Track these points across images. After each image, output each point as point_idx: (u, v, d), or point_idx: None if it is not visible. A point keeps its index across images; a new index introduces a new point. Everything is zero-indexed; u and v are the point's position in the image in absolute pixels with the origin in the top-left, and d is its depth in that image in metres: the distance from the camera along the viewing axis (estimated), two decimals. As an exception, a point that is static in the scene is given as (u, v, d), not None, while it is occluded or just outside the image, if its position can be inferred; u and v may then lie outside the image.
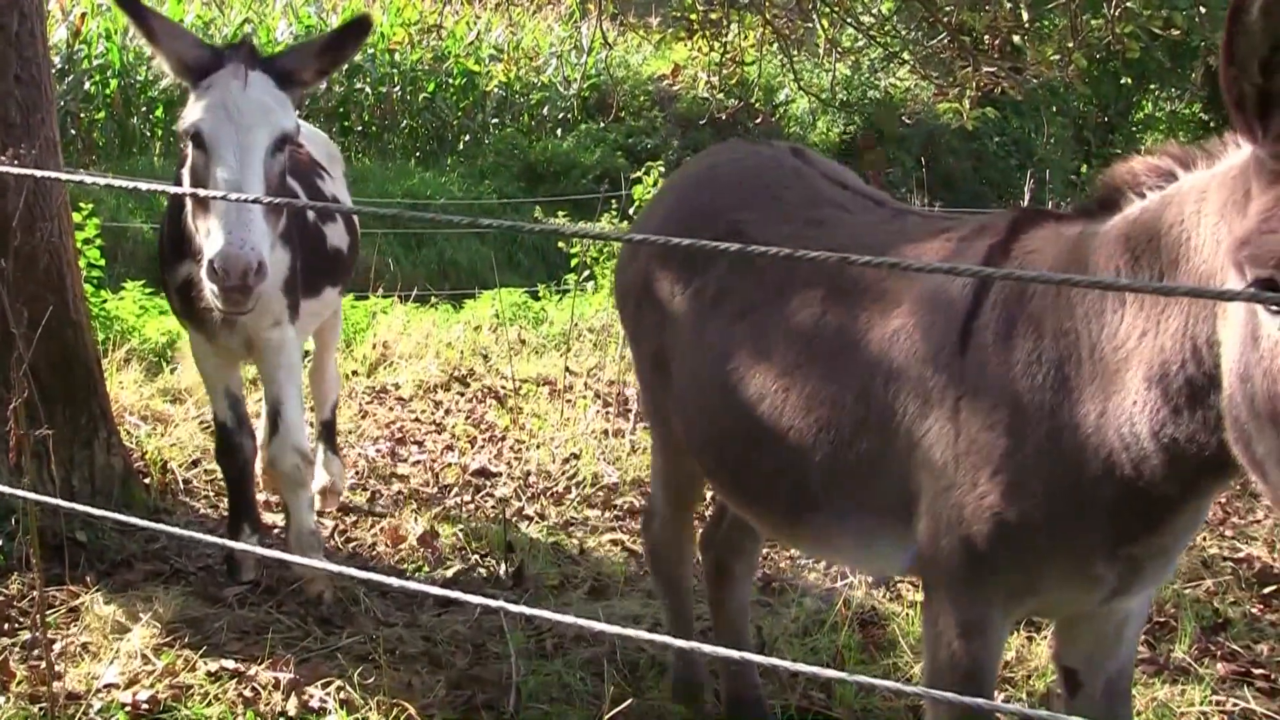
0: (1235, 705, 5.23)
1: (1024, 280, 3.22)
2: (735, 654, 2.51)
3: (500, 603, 2.67)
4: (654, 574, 5.19)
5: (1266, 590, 6.51)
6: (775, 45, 14.37)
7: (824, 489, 3.72)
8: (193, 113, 4.96)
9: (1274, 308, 2.40)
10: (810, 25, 13.42)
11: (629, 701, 4.75)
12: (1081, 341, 3.13)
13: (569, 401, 9.73)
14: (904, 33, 16.03)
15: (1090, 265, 3.15)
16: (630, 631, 2.45)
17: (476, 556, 6.64)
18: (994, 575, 3.36)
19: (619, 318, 5.20)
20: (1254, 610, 6.29)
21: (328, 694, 4.79)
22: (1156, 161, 3.10)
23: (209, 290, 4.78)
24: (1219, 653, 5.78)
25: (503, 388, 10.57)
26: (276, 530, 6.66)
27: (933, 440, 3.38)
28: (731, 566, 4.98)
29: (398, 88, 25.18)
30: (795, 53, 15.09)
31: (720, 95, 25.08)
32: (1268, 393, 2.45)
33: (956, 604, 3.45)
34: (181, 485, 7.26)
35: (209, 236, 4.75)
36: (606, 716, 4.55)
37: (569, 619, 2.63)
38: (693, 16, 13.63)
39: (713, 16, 13.22)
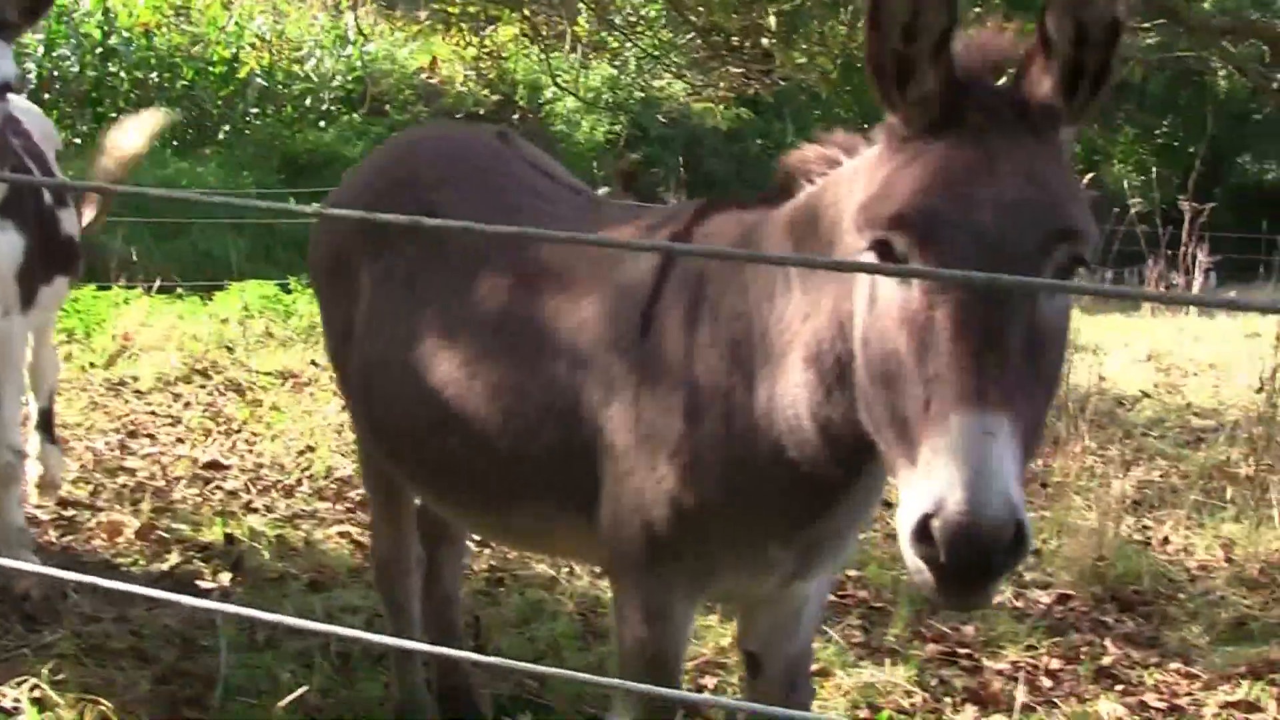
0: (934, 681, 5.42)
1: (714, 256, 3.27)
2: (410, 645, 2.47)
3: (194, 600, 2.60)
4: (375, 579, 4.98)
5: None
6: (534, 42, 14.45)
7: (508, 478, 3.71)
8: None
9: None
10: (563, 23, 13.48)
11: (333, 694, 4.69)
12: (754, 325, 3.19)
13: (312, 395, 9.58)
14: (665, 35, 16.22)
15: (761, 250, 3.23)
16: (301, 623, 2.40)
17: (195, 550, 6.46)
18: (675, 561, 3.40)
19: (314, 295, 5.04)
20: (964, 594, 6.49)
21: (21, 693, 4.60)
22: (824, 149, 3.17)
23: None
24: (929, 634, 5.99)
25: (245, 381, 10.35)
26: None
27: (615, 426, 3.40)
28: (436, 552, 4.90)
29: (154, 73, 24.39)
30: (555, 50, 15.19)
31: (483, 91, 25.16)
32: (880, 353, 2.53)
33: (639, 591, 3.49)
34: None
35: None
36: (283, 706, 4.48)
37: (245, 612, 2.56)
38: (451, 10, 13.58)
39: (470, 10, 13.20)
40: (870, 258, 2.57)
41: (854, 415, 2.84)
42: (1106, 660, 5.78)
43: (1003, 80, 2.73)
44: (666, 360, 3.32)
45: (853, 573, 6.55)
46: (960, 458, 2.25)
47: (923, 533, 2.26)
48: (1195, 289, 15.85)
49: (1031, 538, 2.30)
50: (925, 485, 2.29)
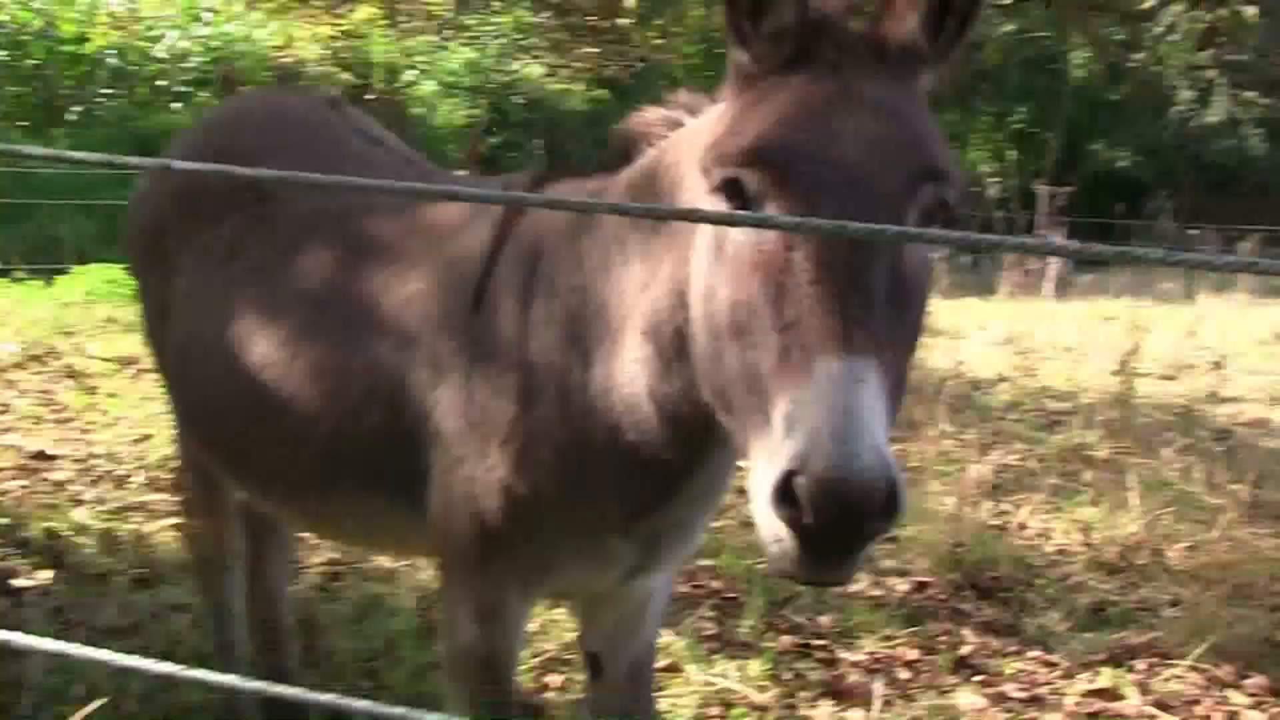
0: (789, 675, 5.26)
1: (557, 207, 3.07)
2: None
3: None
4: (193, 576, 4.74)
5: (835, 561, 6.59)
6: (391, 24, 14.16)
7: (331, 468, 3.44)
8: None
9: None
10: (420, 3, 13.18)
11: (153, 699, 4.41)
12: (591, 299, 2.97)
13: (153, 381, 9.19)
14: (521, 15, 16.01)
15: (597, 220, 3.02)
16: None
17: (14, 546, 6.09)
18: (508, 554, 3.16)
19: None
20: (819, 583, 6.34)
21: None
22: (667, 110, 2.98)
23: None
24: (783, 626, 5.83)
25: (83, 367, 9.92)
26: None
27: (444, 411, 3.15)
28: (259, 546, 4.63)
29: (3, 52, 23.60)
30: (414, 33, 14.90)
31: (341, 73, 24.69)
32: (728, 302, 2.32)
33: (471, 587, 3.24)
34: None
35: None
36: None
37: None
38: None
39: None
40: (718, 202, 2.36)
41: (695, 393, 2.63)
42: (965, 650, 5.65)
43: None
44: (499, 339, 3.08)
45: (705, 562, 6.37)
46: (827, 406, 2.02)
47: (784, 493, 2.01)
48: (1052, 274, 16.04)
49: (905, 499, 2.07)
50: (786, 442, 2.05)
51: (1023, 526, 7.48)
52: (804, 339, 2.12)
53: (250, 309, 3.59)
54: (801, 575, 2.14)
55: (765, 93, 2.38)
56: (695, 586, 6.16)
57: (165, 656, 4.88)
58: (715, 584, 6.24)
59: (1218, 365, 8.82)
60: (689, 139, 2.76)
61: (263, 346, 3.51)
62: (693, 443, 2.87)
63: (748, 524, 6.97)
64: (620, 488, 3.01)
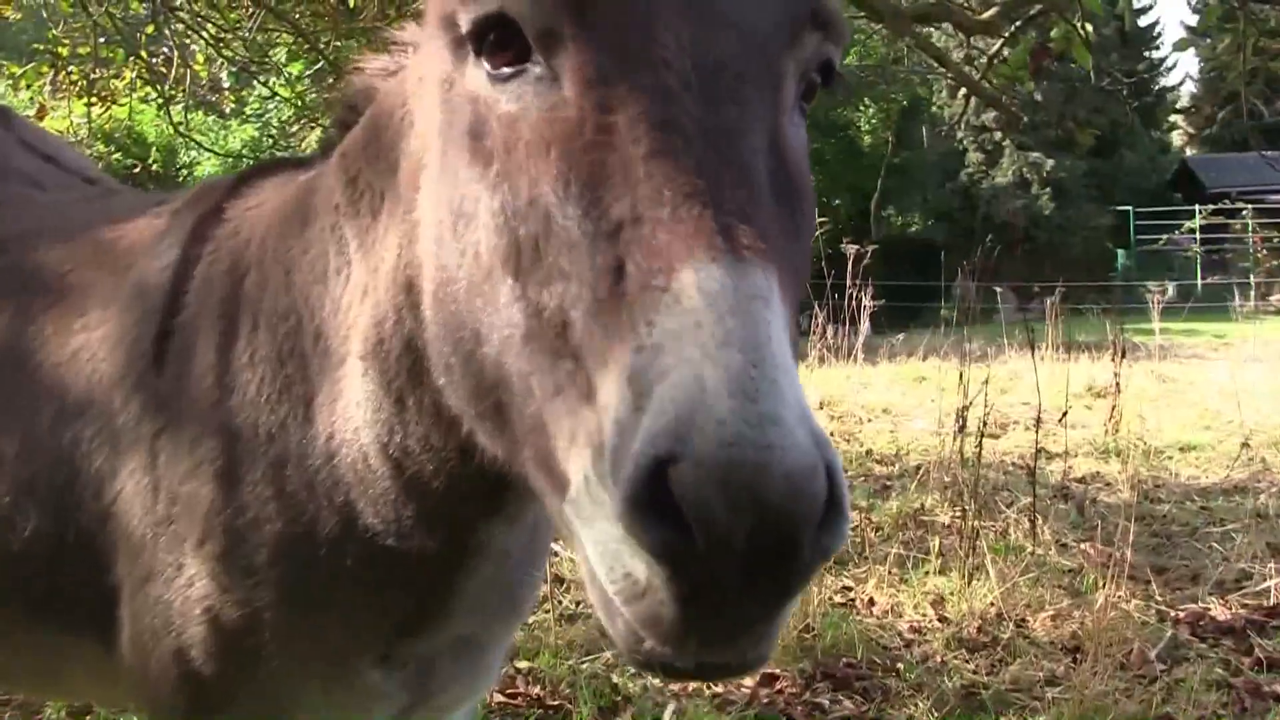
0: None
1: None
2: None
3: None
4: None
5: (670, 653, 5.80)
6: (157, 91, 13.13)
7: None
8: None
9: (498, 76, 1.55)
10: (187, 67, 12.17)
11: None
12: (305, 325, 2.15)
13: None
14: (297, 76, 15.16)
15: (315, 208, 2.20)
16: None
17: None
18: (225, 704, 2.23)
19: None
20: (656, 682, 5.53)
21: None
22: (390, 56, 2.19)
23: None
24: (617, 736, 4.99)
25: None
26: None
27: (128, 503, 2.24)
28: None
29: None
30: (184, 104, 13.90)
31: (110, 152, 23.41)
32: (504, 214, 1.50)
33: None
34: None
35: None
36: None
37: None
38: (60, 50, 12.21)
39: (81, 51, 11.85)
40: (471, 72, 1.60)
41: (439, 438, 1.88)
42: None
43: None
44: (191, 396, 2.20)
45: (521, 665, 5.50)
46: (712, 339, 1.22)
47: (648, 497, 1.18)
48: (861, 335, 15.63)
49: (847, 494, 1.26)
50: (639, 416, 1.22)
51: (871, 602, 6.75)
52: (651, 244, 1.32)
53: None
54: (682, 655, 1.27)
55: None
56: (510, 695, 5.28)
57: None
58: (535, 690, 5.35)
59: (1039, 421, 8.32)
60: (416, 71, 1.96)
61: None
62: (457, 517, 2.04)
63: (569, 617, 6.13)
64: (368, 595, 2.14)
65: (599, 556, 1.29)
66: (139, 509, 2.21)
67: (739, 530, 1.16)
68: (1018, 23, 6.54)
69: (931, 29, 12.75)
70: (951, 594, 6.69)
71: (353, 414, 2.02)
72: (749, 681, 5.54)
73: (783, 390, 1.20)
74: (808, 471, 1.17)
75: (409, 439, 1.95)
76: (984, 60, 7.09)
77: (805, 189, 1.57)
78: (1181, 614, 6.55)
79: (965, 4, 6.89)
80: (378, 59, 2.20)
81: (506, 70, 1.53)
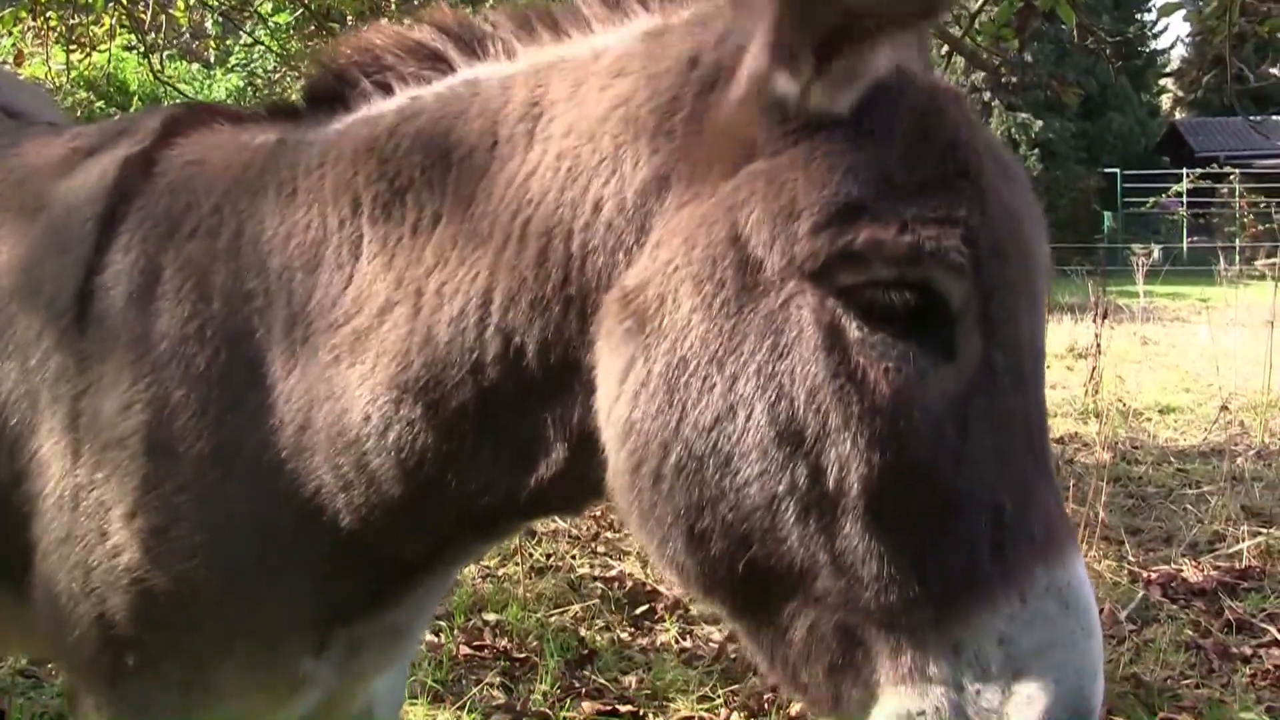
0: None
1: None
2: None
3: None
4: None
5: (638, 611, 5.80)
6: (135, 38, 13.00)
7: None
8: None
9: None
10: (165, 12, 12.05)
11: None
12: (276, 309, 2.05)
13: None
14: (283, 22, 15.04)
15: (303, 190, 2.09)
16: None
17: None
18: (149, 671, 2.16)
19: None
20: (624, 635, 5.52)
21: None
22: (417, 36, 2.07)
23: None
24: (584, 689, 4.98)
25: None
26: None
27: (45, 464, 2.17)
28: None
29: None
30: (164, 50, 13.81)
31: (92, 98, 23.18)
32: (892, 471, 1.52)
33: (101, 711, 2.24)
34: None
35: None
36: None
37: None
38: (38, -5, 12.08)
39: (59, -5, 11.72)
40: (822, 316, 1.54)
41: (515, 482, 1.90)
42: (795, 709, 4.84)
43: None
44: (118, 359, 2.11)
45: (490, 617, 5.48)
46: (1085, 633, 1.50)
47: None
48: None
49: None
50: (1027, 685, 1.47)
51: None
52: (1021, 530, 1.50)
53: None
54: None
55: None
56: (478, 647, 5.25)
57: None
58: (502, 643, 5.33)
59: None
60: (535, 101, 1.90)
61: None
62: (446, 534, 2.05)
63: (538, 570, 6.11)
64: (314, 584, 2.10)
65: None
66: (57, 470, 2.13)
67: None
68: (1000, -22, 6.48)
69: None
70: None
71: (356, 425, 1.96)
72: (716, 635, 5.54)
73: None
74: None
75: (453, 474, 1.92)
76: (966, 18, 7.00)
77: None
78: (1153, 575, 6.56)
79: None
80: (389, 32, 2.10)
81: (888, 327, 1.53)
